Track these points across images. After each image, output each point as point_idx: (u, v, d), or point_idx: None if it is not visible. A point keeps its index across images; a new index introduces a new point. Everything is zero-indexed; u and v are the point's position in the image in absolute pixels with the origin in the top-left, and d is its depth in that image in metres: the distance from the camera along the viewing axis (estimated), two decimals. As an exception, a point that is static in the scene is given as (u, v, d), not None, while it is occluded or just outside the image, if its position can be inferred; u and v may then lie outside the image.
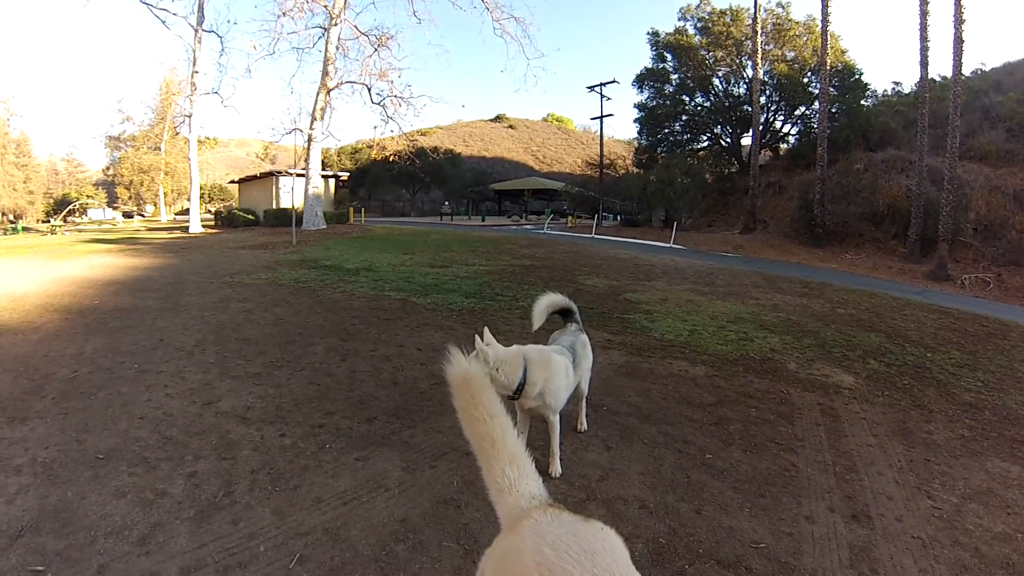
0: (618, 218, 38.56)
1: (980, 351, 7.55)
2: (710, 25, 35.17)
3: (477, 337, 2.89)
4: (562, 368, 3.26)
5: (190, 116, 29.15)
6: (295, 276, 10.62)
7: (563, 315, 4.02)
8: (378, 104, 25.03)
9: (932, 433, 4.50)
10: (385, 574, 2.35)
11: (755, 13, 29.36)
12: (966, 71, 21.57)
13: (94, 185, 66.69)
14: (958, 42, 18.43)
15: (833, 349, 6.84)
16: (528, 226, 34.68)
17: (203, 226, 28.22)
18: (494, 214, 51.61)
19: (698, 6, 36.04)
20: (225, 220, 31.77)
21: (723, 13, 35.02)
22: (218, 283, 9.80)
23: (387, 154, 27.42)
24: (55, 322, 6.79)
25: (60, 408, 4.01)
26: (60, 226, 33.94)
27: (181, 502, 2.81)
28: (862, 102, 31.21)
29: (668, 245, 22.00)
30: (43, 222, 44.63)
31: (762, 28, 30.81)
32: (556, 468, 3.36)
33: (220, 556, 2.40)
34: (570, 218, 38.21)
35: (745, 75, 33.66)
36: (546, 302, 3.83)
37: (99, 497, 2.83)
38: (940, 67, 21.39)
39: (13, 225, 37.58)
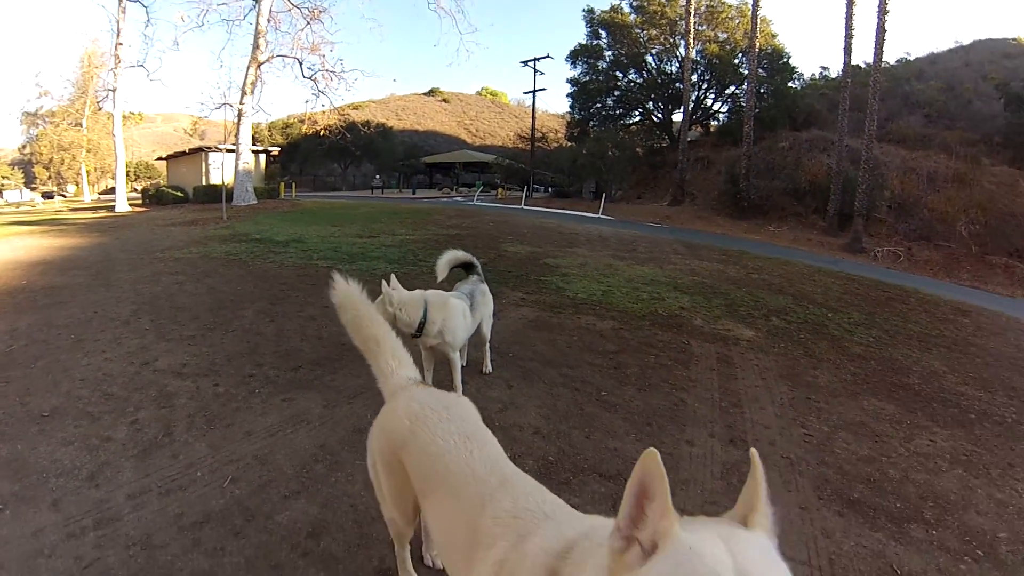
0: (549, 190, 39.01)
1: (878, 313, 8.24)
2: (645, 4, 35.75)
3: (384, 282, 3.28)
4: (459, 310, 3.66)
5: (114, 90, 26.98)
6: (226, 249, 10.40)
7: (465, 268, 4.40)
8: (309, 79, 24.34)
9: (817, 377, 4.95)
10: (305, 487, 2.74)
11: None
12: (891, 60, 23.37)
13: (9, 165, 61.51)
14: (880, 31, 20.11)
15: (740, 308, 7.31)
16: (459, 198, 34.61)
17: (130, 205, 26.58)
18: (425, 187, 51.21)
19: None
20: (153, 198, 30.24)
21: None
22: (149, 259, 9.48)
23: (318, 129, 27.11)
24: None
25: (0, 378, 4.04)
26: None
27: (125, 444, 3.09)
28: (789, 84, 32.84)
29: (597, 216, 22.48)
30: None
31: (696, 9, 31.71)
32: None
33: (162, 483, 2.73)
34: (500, 190, 38.26)
35: (678, 54, 34.49)
36: (449, 256, 4.23)
37: (48, 447, 3.04)
38: (867, 55, 23.09)
39: None
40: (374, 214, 18.37)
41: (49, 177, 51.39)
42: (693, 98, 33.51)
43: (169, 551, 2.27)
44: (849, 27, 21.26)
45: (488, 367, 4.40)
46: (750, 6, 26.45)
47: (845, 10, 21.25)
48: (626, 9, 36.93)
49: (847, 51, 21.69)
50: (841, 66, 22.89)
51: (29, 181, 56.05)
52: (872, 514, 2.89)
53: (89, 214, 23.13)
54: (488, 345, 4.40)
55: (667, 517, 0.83)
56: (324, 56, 24.09)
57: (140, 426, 3.31)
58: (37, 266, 8.89)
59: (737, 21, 33.35)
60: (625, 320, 6.24)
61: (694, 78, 33.18)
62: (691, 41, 30.33)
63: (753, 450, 0.95)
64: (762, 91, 29.94)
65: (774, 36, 33.80)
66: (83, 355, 4.55)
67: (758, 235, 20.63)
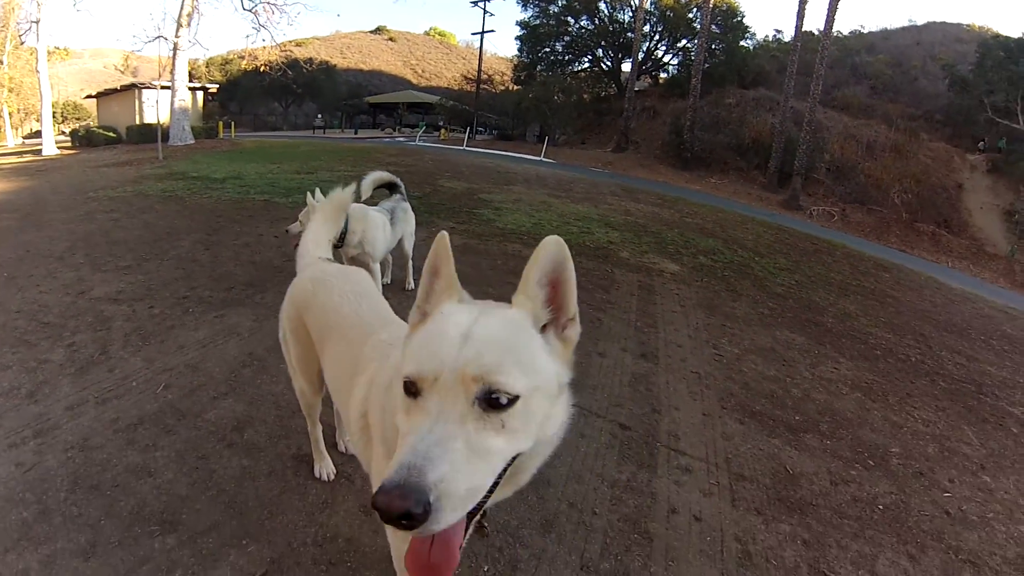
0: (493, 133, 38.58)
1: (803, 261, 8.52)
2: None
3: (308, 194, 3.48)
4: (379, 222, 3.83)
5: (37, 22, 24.83)
6: (162, 187, 9.83)
7: (389, 188, 4.49)
8: (249, 11, 22.76)
9: (735, 309, 5.09)
10: (233, 389, 2.92)
11: None
12: (844, 30, 23.51)
13: None
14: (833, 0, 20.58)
15: (668, 246, 7.40)
16: (401, 139, 33.88)
17: (59, 148, 24.69)
18: (368, 127, 49.92)
19: None
20: (83, 140, 28.07)
21: None
22: (82, 199, 8.83)
23: (258, 64, 25.89)
24: None
25: None
26: None
27: (62, 364, 3.17)
28: (741, 43, 32.90)
29: (538, 158, 22.33)
30: None
31: None
32: None
33: (99, 394, 2.86)
34: (443, 131, 37.55)
35: (632, 3, 33.86)
36: (374, 176, 4.27)
37: None
38: (820, 22, 23.59)
39: None
40: (314, 152, 17.99)
41: None
42: (644, 48, 33.33)
43: (105, 451, 2.39)
44: (803, -8, 21.51)
45: (411, 283, 4.59)
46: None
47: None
48: None
49: (800, 15, 21.98)
50: (793, 30, 23.11)
51: None
52: (771, 424, 3.05)
53: (14, 159, 21.54)
54: (411, 263, 4.58)
55: (448, 292, 1.01)
56: None
57: (77, 348, 3.39)
58: None
59: None
60: (552, 249, 6.23)
61: (646, 28, 32.92)
62: None
63: (547, 239, 0.98)
64: (714, 47, 29.99)
65: None
66: (17, 290, 4.42)
67: (699, 186, 20.94)
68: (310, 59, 52.23)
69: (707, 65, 26.20)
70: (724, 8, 31.62)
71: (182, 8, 21.47)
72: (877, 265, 9.96)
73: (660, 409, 2.98)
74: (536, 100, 29.27)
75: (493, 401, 0.83)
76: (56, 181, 11.98)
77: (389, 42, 78.91)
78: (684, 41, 33.95)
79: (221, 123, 31.61)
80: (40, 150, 23.99)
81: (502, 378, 0.83)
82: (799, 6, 21.80)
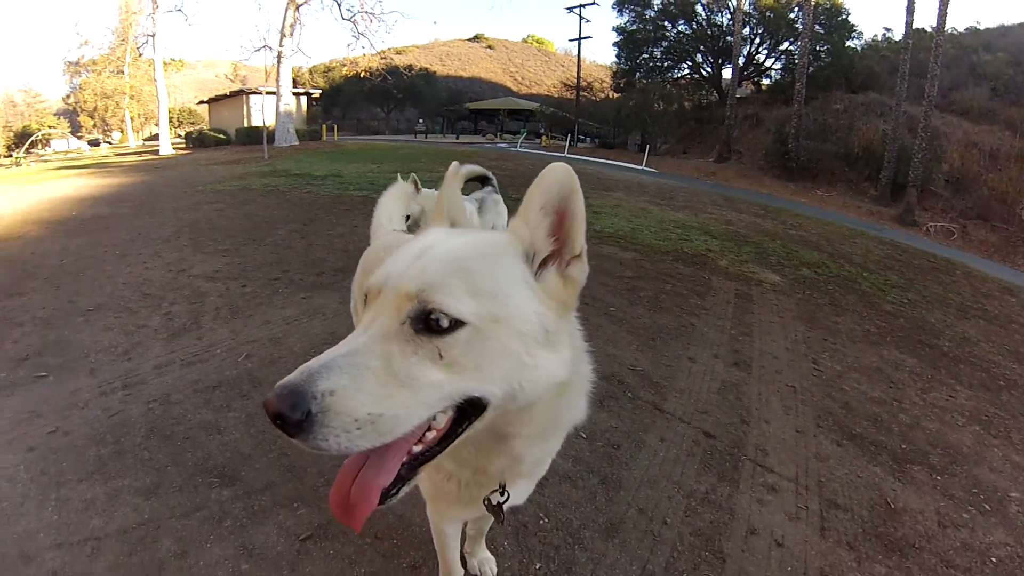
0: (594, 141, 38.16)
1: (918, 279, 7.77)
2: None
3: (414, 175, 3.34)
4: (467, 210, 3.60)
5: (153, 35, 27.07)
6: (265, 183, 10.54)
7: (481, 181, 4.39)
8: (348, 20, 23.63)
9: (838, 324, 4.67)
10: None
11: None
12: (960, 27, 21.22)
13: (55, 115, 62.31)
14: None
15: (769, 257, 6.97)
16: (502, 145, 34.21)
17: (174, 148, 26.84)
18: (469, 133, 50.57)
19: None
20: (196, 141, 30.51)
21: None
22: (191, 192, 9.69)
23: (358, 71, 26.14)
24: (36, 231, 6.62)
25: (52, 284, 4.40)
26: (24, 158, 32.14)
27: (157, 330, 3.46)
28: (848, 43, 30.08)
29: (639, 167, 21.84)
30: (5, 156, 41.84)
31: None
32: None
33: (185, 357, 3.07)
34: (544, 138, 37.53)
35: (729, 5, 31.73)
36: (466, 169, 4.19)
37: (90, 333, 3.41)
38: (932, 18, 21.02)
39: None
40: (414, 155, 18.45)
41: (94, 125, 51.25)
42: (744, 53, 31.30)
43: (182, 407, 2.58)
44: (912, -17, 19.42)
45: None
46: (806, -46, 24.39)
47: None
48: None
49: (909, 10, 19.74)
50: (904, 27, 20.72)
51: (75, 130, 56.14)
52: (873, 450, 2.72)
53: (134, 158, 23.62)
54: None
55: (439, 219, 1.05)
56: None
57: (171, 317, 3.66)
58: (86, 200, 9.15)
59: None
60: (647, 253, 6.05)
61: (746, 31, 30.79)
62: None
63: (554, 164, 0.85)
64: (818, 49, 27.72)
65: None
66: (126, 266, 4.87)
67: (805, 198, 19.52)
68: (410, 66, 53.57)
69: (811, 68, 24.29)
70: (828, 6, 28.97)
71: (285, 19, 22.61)
72: (1002, 288, 8.93)
73: (749, 420, 2.77)
74: (636, 108, 28.49)
75: (432, 324, 0.71)
76: (169, 176, 13.02)
77: (488, 50, 79.75)
78: (787, 44, 31.55)
79: (324, 126, 33.07)
80: (157, 150, 26.04)
81: (440, 297, 0.71)
82: (908, 1, 19.57)
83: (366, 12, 23.42)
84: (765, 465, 2.47)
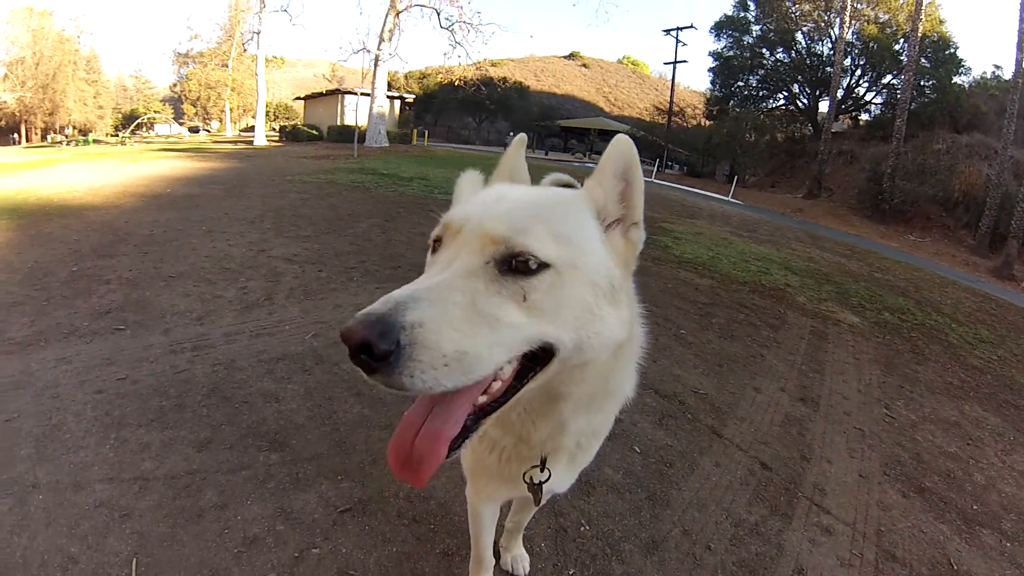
0: (683, 168, 37.38)
1: (1011, 336, 7.15)
2: None
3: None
4: (528, 180, 3.66)
5: (258, 33, 28.62)
6: (352, 179, 11.02)
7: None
8: (446, 29, 23.94)
9: (918, 372, 4.39)
10: None
11: None
12: None
13: (161, 101, 66.15)
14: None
15: (851, 298, 6.62)
16: (590, 164, 34.05)
17: (268, 140, 28.08)
18: (559, 150, 50.53)
19: None
20: (289, 135, 31.89)
21: None
22: (279, 180, 10.31)
23: (453, 78, 26.25)
24: (132, 203, 7.36)
25: (140, 251, 4.81)
26: (128, 138, 34.81)
27: (231, 301, 3.67)
28: (955, 79, 27.38)
29: (726, 198, 21.17)
30: (112, 136, 44.72)
31: None
32: None
33: (255, 329, 3.24)
34: (633, 161, 37.22)
35: (831, 33, 29.79)
36: (552, 177, 4.16)
37: (169, 297, 3.70)
38: None
39: (84, 138, 38.53)
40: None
41: (196, 113, 54.17)
42: (844, 85, 29.35)
43: (245, 373, 2.72)
44: (1024, 18, 17.55)
45: None
46: (915, -19, 22.36)
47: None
48: None
49: (1020, 47, 17.96)
50: (1014, 64, 18.77)
51: (178, 116, 59.19)
52: (942, 506, 2.54)
53: (230, 146, 24.97)
54: None
55: (500, 178, 1.20)
56: (461, 7, 23.58)
57: (247, 291, 3.85)
58: (180, 180, 9.92)
59: (900, 1, 27.94)
60: (724, 282, 5.91)
61: (847, 62, 28.76)
62: (847, 19, 25.92)
63: (619, 136, 0.92)
64: (922, 84, 25.53)
65: (941, 22, 28.05)
66: (210, 241, 5.21)
67: (896, 242, 18.32)
68: (504, 78, 53.73)
69: (914, 104, 22.54)
70: (935, 39, 26.58)
71: (384, 25, 23.15)
72: (1111, 355, 8.09)
73: (810, 458, 2.66)
74: (727, 137, 27.62)
75: (518, 265, 0.71)
76: (260, 165, 13.70)
77: (582, 68, 79.21)
78: (889, 77, 29.23)
79: (415, 131, 33.67)
80: (252, 141, 27.19)
81: (529, 240, 0.72)
82: (1019, 35, 17.78)
83: (464, 22, 23.61)
84: (822, 505, 2.36)
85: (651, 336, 3.31)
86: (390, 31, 23.24)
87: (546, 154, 40.59)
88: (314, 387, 2.62)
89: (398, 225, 6.34)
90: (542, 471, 1.02)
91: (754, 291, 5.76)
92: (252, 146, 25.08)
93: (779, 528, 2.17)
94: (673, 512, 2.11)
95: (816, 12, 30.22)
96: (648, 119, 50.64)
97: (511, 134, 46.26)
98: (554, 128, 54.15)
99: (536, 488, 1.04)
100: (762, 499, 2.32)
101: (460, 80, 25.69)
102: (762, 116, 31.93)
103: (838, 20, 26.75)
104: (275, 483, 1.96)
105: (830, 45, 29.55)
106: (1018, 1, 17.69)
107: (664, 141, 36.15)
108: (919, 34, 21.68)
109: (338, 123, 29.48)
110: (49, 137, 45.10)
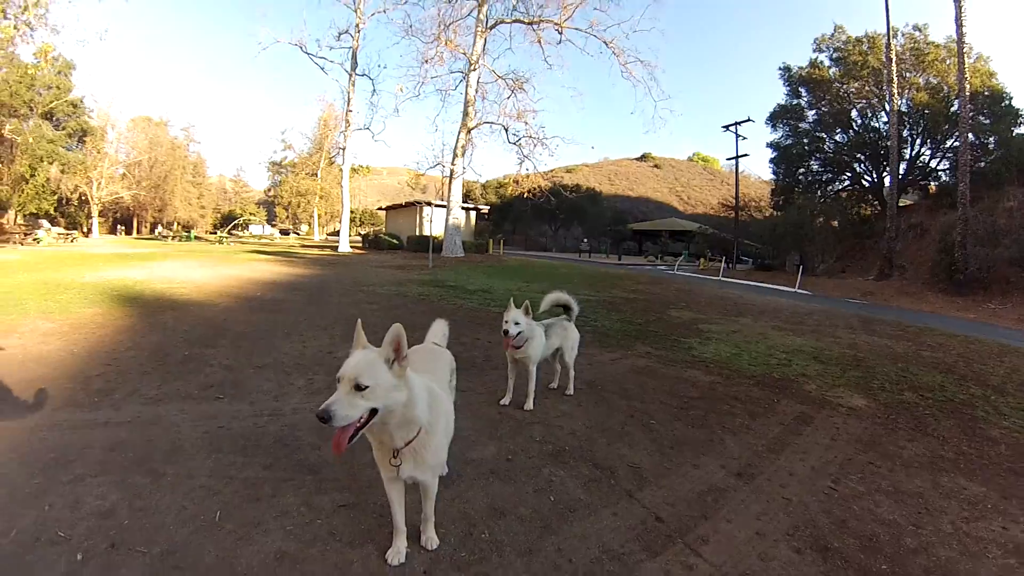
0: (756, 262, 36.73)
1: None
2: (845, 55, 31.71)
3: (527, 303, 4.51)
4: (537, 334, 4.57)
5: (343, 149, 31.79)
6: (420, 291, 12.30)
7: (565, 309, 5.18)
8: (514, 144, 25.94)
9: (903, 449, 4.31)
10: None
11: (888, 39, 26.21)
12: None
13: (256, 204, 73.28)
14: None
15: (873, 382, 6.53)
16: (662, 267, 34.23)
17: (351, 246, 30.51)
18: (633, 253, 50.84)
19: (832, 35, 32.86)
20: (372, 243, 34.52)
21: (859, 41, 31.68)
22: (355, 290, 11.87)
23: (522, 190, 27.68)
24: (229, 303, 9.28)
25: (235, 344, 6.36)
26: (226, 237, 39.27)
27: (300, 387, 4.89)
28: (1015, 131, 26.25)
29: (792, 290, 20.71)
30: (211, 233, 50.23)
31: (898, 55, 27.19)
32: (529, 404, 4.59)
33: (313, 407, 4.03)
34: (703, 260, 37.05)
35: (885, 107, 29.57)
36: (552, 297, 5.10)
37: (256, 380, 5.02)
38: None
39: (187, 233, 44.29)
40: (569, 275, 19.30)
41: (287, 216, 59.16)
42: (906, 156, 28.66)
43: (301, 432, 3.89)
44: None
45: (570, 390, 5.11)
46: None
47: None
48: (825, 63, 33.18)
49: None
50: None
51: (271, 219, 64.92)
52: (840, 564, 2.63)
53: (316, 251, 27.16)
54: (572, 372, 5.13)
55: (360, 345, 2.18)
56: (527, 123, 25.37)
57: (313, 381, 5.06)
58: (269, 284, 11.98)
59: (948, 63, 27.73)
60: (729, 377, 6.19)
61: (904, 133, 28.25)
62: (895, 91, 25.90)
63: (394, 326, 2.15)
64: (983, 141, 24.95)
65: (992, 75, 27.67)
66: (289, 342, 6.57)
67: (973, 313, 17.14)
68: (577, 185, 55.14)
69: (981, 164, 21.98)
70: (987, 92, 25.93)
71: (457, 142, 25.05)
72: None
73: (711, 518, 2.98)
74: (791, 226, 27.37)
75: (358, 386, 1.95)
76: (340, 273, 15.30)
77: (654, 169, 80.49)
78: (951, 140, 28.01)
79: (491, 240, 35.02)
80: (337, 247, 29.12)
81: (361, 379, 1.96)
82: None
83: (530, 137, 25.39)
84: (697, 551, 2.62)
85: (620, 424, 4.03)
86: (463, 147, 25.33)
87: (619, 258, 40.96)
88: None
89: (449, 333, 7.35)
90: (395, 457, 2.22)
91: (758, 384, 5.99)
92: (336, 252, 26.98)
93: (642, 560, 2.53)
94: (557, 538, 2.70)
95: (866, 88, 30.29)
96: (718, 214, 50.69)
97: (584, 240, 47.68)
98: (626, 232, 54.95)
99: (397, 469, 2.25)
100: (640, 540, 2.71)
101: (528, 192, 27.11)
102: (826, 200, 31.51)
103: (887, 92, 26.46)
104: (306, 489, 3.06)
105: (885, 118, 28.98)
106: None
107: (733, 236, 36.07)
108: (967, 92, 21.21)
109: (417, 233, 31.33)
110: (156, 230, 50.88)
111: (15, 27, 16.54)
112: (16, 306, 7.77)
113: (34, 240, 25.72)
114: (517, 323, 4.30)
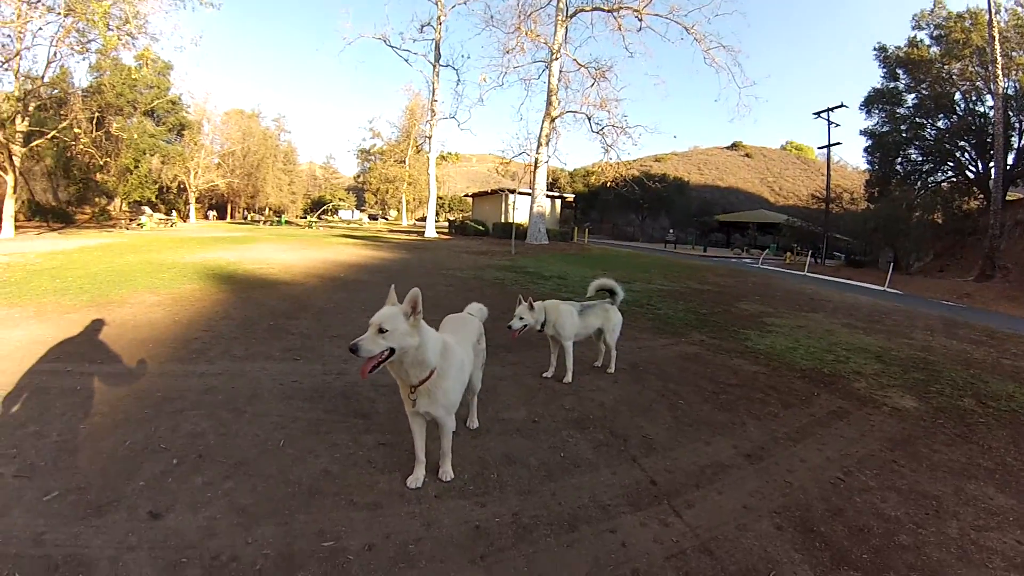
0: (847, 257, 34.45)
1: None
2: (947, 32, 28.12)
3: (531, 298, 4.82)
4: (566, 312, 4.89)
5: (430, 137, 32.47)
6: (496, 275, 12.78)
7: (610, 293, 5.44)
8: (597, 133, 25.63)
9: (937, 452, 4.12)
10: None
11: (989, 16, 23.14)
12: None
13: (346, 190, 75.48)
14: None
15: (935, 385, 6.16)
16: (748, 260, 32.70)
17: (437, 232, 31.25)
18: (721, 245, 49.06)
19: (933, 10, 29.18)
20: (458, 228, 35.40)
21: (960, 17, 28.01)
22: (435, 273, 12.65)
23: (605, 180, 27.35)
24: (313, 282, 10.36)
25: (315, 318, 7.16)
26: (316, 222, 41.23)
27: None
28: None
29: (881, 288, 19.26)
30: (301, 218, 52.66)
31: (1002, 32, 23.91)
32: (568, 377, 4.99)
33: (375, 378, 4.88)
34: (788, 254, 35.15)
35: (991, 88, 25.77)
36: (598, 282, 5.40)
37: (329, 347, 5.73)
38: None
39: (278, 219, 47.04)
40: (648, 264, 19.05)
41: (376, 202, 60.80)
42: (1015, 144, 24.97)
43: (362, 388, 4.52)
44: None
45: (612, 368, 5.44)
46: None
47: None
48: (926, 41, 29.38)
49: None
50: None
51: (360, 204, 66.92)
52: (817, 545, 2.66)
53: (403, 236, 28.03)
54: (613, 352, 5.44)
55: (390, 303, 2.76)
56: (610, 112, 24.99)
57: None
58: (353, 266, 12.91)
59: None
60: (776, 369, 6.14)
61: (1012, 118, 24.62)
62: (998, 72, 22.89)
63: (412, 290, 2.68)
64: None
65: None
66: (365, 316, 7.21)
67: None
68: (663, 175, 53.48)
69: None
70: None
71: (541, 130, 24.90)
72: None
73: (703, 487, 3.17)
74: (884, 220, 25.29)
75: (381, 329, 2.50)
76: (423, 258, 15.99)
77: (745, 158, 76.33)
78: None
79: (576, 228, 34.76)
80: (423, 232, 29.73)
81: (385, 324, 2.51)
82: None
83: (613, 126, 25.07)
84: (679, 512, 2.82)
85: (648, 401, 4.59)
86: (547, 136, 25.31)
87: (704, 250, 39.63)
88: (391, 397, 4.26)
89: (509, 317, 7.59)
90: (412, 392, 2.75)
91: (803, 376, 5.91)
92: (422, 237, 27.77)
93: (624, 512, 2.80)
94: (555, 484, 3.08)
95: (969, 68, 26.59)
96: (809, 206, 47.86)
97: (670, 231, 46.58)
98: (713, 223, 53.09)
99: (414, 403, 2.81)
100: (628, 496, 2.98)
101: (611, 181, 26.78)
102: (926, 192, 28.58)
103: (991, 74, 23.39)
104: (356, 430, 3.68)
105: (991, 102, 25.60)
106: None
107: (822, 230, 33.92)
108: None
109: (502, 220, 31.92)
110: (248, 215, 53.95)
111: (118, 37, 18.34)
112: (128, 282, 9.00)
113: (138, 225, 27.83)
114: (522, 318, 4.71)
